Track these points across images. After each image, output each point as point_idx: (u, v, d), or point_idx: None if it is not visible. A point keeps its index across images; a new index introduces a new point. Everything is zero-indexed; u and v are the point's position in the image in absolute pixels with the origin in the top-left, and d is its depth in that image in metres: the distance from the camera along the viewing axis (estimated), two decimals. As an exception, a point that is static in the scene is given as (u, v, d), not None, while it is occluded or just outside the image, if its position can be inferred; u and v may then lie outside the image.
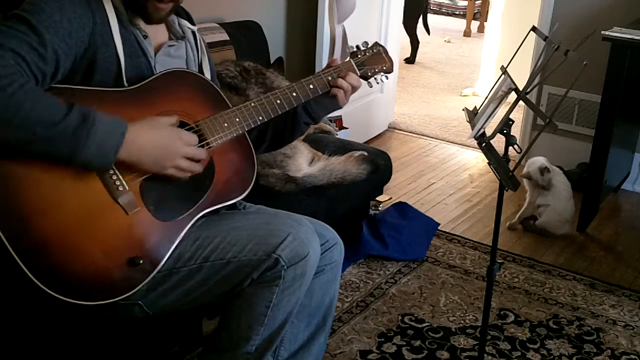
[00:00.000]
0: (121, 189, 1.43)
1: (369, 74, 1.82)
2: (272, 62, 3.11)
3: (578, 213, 3.16)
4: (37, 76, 1.36)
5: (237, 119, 1.61)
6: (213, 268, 1.56)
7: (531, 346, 2.31)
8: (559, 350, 2.29)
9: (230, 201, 1.61)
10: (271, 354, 1.70)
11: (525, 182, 3.15)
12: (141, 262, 1.42)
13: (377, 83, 1.87)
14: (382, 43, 4.11)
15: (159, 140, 1.45)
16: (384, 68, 1.85)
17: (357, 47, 1.83)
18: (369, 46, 1.84)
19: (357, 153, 2.62)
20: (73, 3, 1.43)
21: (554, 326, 2.42)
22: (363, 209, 2.96)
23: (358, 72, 1.78)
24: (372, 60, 1.82)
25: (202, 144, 1.56)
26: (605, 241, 3.12)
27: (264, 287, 1.57)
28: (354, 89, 1.76)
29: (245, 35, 3.02)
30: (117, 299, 1.40)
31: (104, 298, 1.39)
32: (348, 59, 1.81)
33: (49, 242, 1.34)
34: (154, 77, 1.56)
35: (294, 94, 1.69)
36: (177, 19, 1.71)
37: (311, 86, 1.71)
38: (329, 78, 1.73)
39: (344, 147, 2.72)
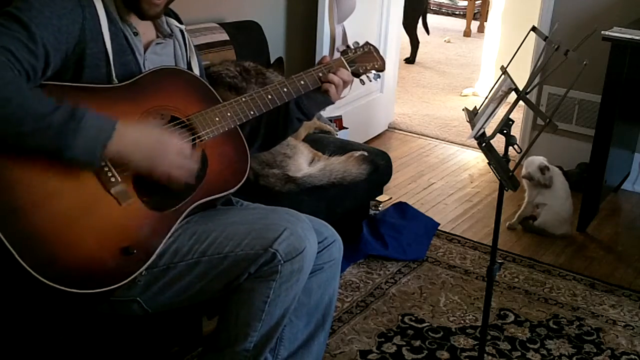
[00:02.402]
0: (113, 180, 1.44)
1: (360, 71, 1.85)
2: (272, 62, 3.11)
3: (578, 213, 3.16)
4: (29, 72, 1.37)
5: (229, 114, 1.63)
6: (210, 263, 1.56)
7: (531, 346, 2.31)
8: (559, 350, 2.29)
9: (223, 193, 1.62)
10: (270, 353, 1.70)
11: (524, 181, 3.15)
12: (135, 251, 1.43)
13: (370, 81, 1.90)
14: (382, 43, 4.11)
15: (149, 138, 1.46)
16: (376, 66, 1.88)
17: (348, 46, 1.88)
18: (359, 45, 1.88)
19: (357, 153, 2.62)
20: None
21: (554, 326, 2.42)
22: (363, 209, 2.96)
23: (349, 69, 1.81)
24: (362, 58, 1.86)
25: (193, 137, 1.57)
26: (605, 241, 3.12)
27: (261, 282, 1.58)
28: (345, 83, 1.79)
29: (245, 35, 3.02)
30: (112, 287, 1.40)
31: (99, 286, 1.39)
32: (338, 56, 1.84)
33: (42, 233, 1.35)
34: (144, 73, 1.57)
35: (285, 90, 1.72)
36: (165, 18, 1.72)
37: (302, 82, 1.74)
38: (320, 74, 1.76)
39: (344, 147, 2.72)
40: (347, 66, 1.81)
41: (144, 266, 1.46)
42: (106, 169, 1.43)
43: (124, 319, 1.66)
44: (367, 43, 1.90)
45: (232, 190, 1.64)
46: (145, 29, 1.66)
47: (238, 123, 1.65)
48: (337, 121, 3.44)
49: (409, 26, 6.19)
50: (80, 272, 1.38)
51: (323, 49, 3.37)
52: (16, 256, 1.31)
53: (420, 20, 6.54)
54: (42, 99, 1.34)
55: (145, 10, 1.58)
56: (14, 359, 1.59)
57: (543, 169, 3.05)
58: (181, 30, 1.76)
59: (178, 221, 1.53)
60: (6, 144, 1.32)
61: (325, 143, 2.75)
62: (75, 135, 1.33)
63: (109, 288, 1.40)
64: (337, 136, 3.08)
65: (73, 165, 1.37)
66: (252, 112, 1.67)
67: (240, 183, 1.65)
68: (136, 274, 1.44)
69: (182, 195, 1.54)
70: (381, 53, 1.93)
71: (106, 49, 1.52)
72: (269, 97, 1.69)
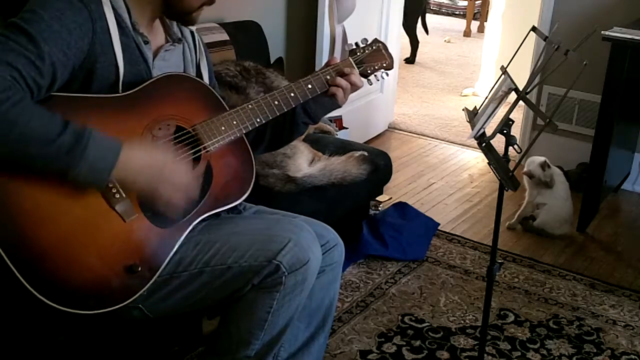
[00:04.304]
0: (118, 196, 1.41)
1: (369, 71, 1.79)
2: (272, 62, 3.10)
3: (578, 213, 3.16)
4: (33, 90, 1.34)
5: (235, 122, 1.59)
6: (213, 273, 1.55)
7: (531, 346, 2.31)
8: (559, 350, 2.29)
9: (228, 205, 1.60)
10: (271, 356, 1.69)
11: (525, 180, 3.15)
12: (139, 269, 1.41)
13: (377, 80, 1.83)
14: (382, 43, 4.01)
15: (154, 163, 1.42)
16: (384, 65, 1.81)
17: (356, 44, 1.80)
18: (368, 43, 1.81)
19: (357, 153, 2.61)
20: (73, 12, 1.40)
21: (554, 326, 2.42)
22: (363, 209, 2.96)
23: (357, 71, 1.75)
24: (371, 58, 1.79)
25: (199, 148, 1.55)
26: (605, 241, 3.12)
27: (264, 293, 1.57)
28: (354, 87, 1.73)
29: (245, 35, 3.02)
30: (115, 307, 1.39)
31: (103, 307, 1.38)
32: (347, 57, 1.78)
33: (45, 252, 1.33)
34: (149, 81, 1.53)
35: (292, 95, 1.67)
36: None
37: (309, 86, 1.69)
38: (328, 77, 1.71)
39: (344, 147, 2.71)
40: (357, 68, 1.75)
41: (148, 284, 1.44)
42: (110, 185, 1.41)
43: (124, 320, 1.66)
44: (376, 40, 1.82)
45: (236, 202, 1.62)
46: (155, 36, 1.63)
47: (244, 132, 1.61)
48: (337, 121, 3.44)
49: (409, 26, 6.19)
50: (83, 291, 1.36)
51: (323, 49, 3.37)
52: (18, 276, 1.29)
53: (419, 21, 6.54)
54: (49, 120, 1.31)
55: (194, 18, 1.60)
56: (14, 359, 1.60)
57: (544, 166, 3.05)
58: (192, 32, 1.73)
59: (183, 236, 1.51)
60: (12, 165, 1.30)
61: (325, 143, 2.75)
62: (81, 159, 1.31)
63: (112, 308, 1.39)
64: (337, 136, 3.08)
65: (78, 187, 1.35)
66: (258, 120, 1.62)
67: (246, 194, 1.62)
68: (140, 292, 1.43)
69: (187, 210, 1.51)
70: (383, 53, 1.88)
71: (117, 61, 1.49)
72: (276, 103, 1.65)
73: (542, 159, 3.07)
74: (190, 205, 1.51)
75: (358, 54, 1.78)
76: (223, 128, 1.57)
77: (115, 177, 1.37)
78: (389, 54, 1.83)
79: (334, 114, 3.45)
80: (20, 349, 1.59)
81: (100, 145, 1.34)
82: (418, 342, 2.30)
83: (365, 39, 1.81)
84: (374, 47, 1.81)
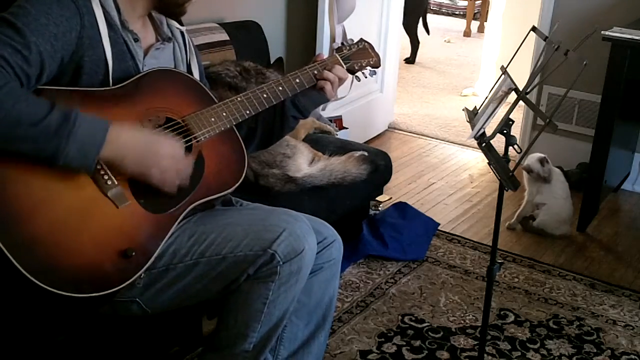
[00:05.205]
0: (110, 183, 1.43)
1: (356, 67, 1.86)
2: (272, 62, 3.11)
3: (578, 213, 3.16)
4: (22, 79, 1.36)
5: (224, 114, 1.63)
6: (209, 264, 1.56)
7: (531, 346, 2.31)
8: (559, 350, 2.29)
9: (222, 193, 1.62)
10: (270, 352, 1.70)
11: (524, 179, 3.15)
12: (133, 254, 1.43)
13: (365, 77, 1.90)
14: (382, 43, 4.10)
15: (142, 140, 1.45)
16: (371, 62, 1.89)
17: (342, 43, 1.88)
18: (354, 42, 1.89)
19: (358, 153, 2.62)
20: (60, 6, 1.43)
21: (554, 326, 2.42)
22: (363, 209, 2.96)
23: (344, 65, 1.82)
24: (357, 55, 1.87)
25: (189, 138, 1.57)
26: (605, 241, 3.12)
27: (260, 283, 1.58)
28: (341, 80, 1.79)
29: (245, 35, 3.03)
30: (110, 291, 1.40)
31: (97, 290, 1.39)
32: (333, 53, 1.85)
33: (40, 238, 1.35)
34: (139, 75, 1.56)
35: (280, 88, 1.72)
36: (165, 20, 1.72)
37: (297, 80, 1.74)
38: (315, 72, 1.77)
39: (344, 147, 2.72)
40: (342, 63, 1.82)
41: (143, 269, 1.45)
42: (102, 172, 1.42)
43: (123, 319, 1.66)
44: (361, 40, 1.90)
45: (230, 190, 1.63)
46: (146, 34, 1.65)
47: (234, 123, 1.65)
48: (337, 121, 3.44)
49: (409, 26, 6.19)
50: (79, 276, 1.37)
51: (323, 49, 3.37)
52: (14, 262, 1.30)
53: (420, 21, 6.54)
54: (35, 103, 1.33)
55: (183, 10, 1.63)
56: (14, 359, 1.60)
57: (542, 161, 3.05)
58: (181, 32, 1.76)
59: (176, 223, 1.53)
60: (2, 151, 1.31)
61: (325, 143, 2.75)
62: (69, 138, 1.32)
63: (108, 292, 1.40)
64: (337, 136, 3.08)
65: (67, 169, 1.37)
66: (247, 112, 1.66)
67: (238, 182, 1.64)
68: (135, 276, 1.44)
69: (180, 197, 1.53)
70: (381, 53, 1.94)
71: (105, 57, 1.51)
72: (264, 96, 1.69)
73: (541, 154, 3.07)
74: (184, 186, 1.52)
75: (344, 51, 1.86)
76: (213, 119, 1.61)
77: (103, 157, 1.38)
78: (375, 52, 1.91)
79: (334, 114, 3.47)
80: (20, 348, 1.59)
81: (88, 123, 1.36)
82: (418, 342, 2.30)
83: (352, 39, 1.90)
84: (360, 46, 1.89)
